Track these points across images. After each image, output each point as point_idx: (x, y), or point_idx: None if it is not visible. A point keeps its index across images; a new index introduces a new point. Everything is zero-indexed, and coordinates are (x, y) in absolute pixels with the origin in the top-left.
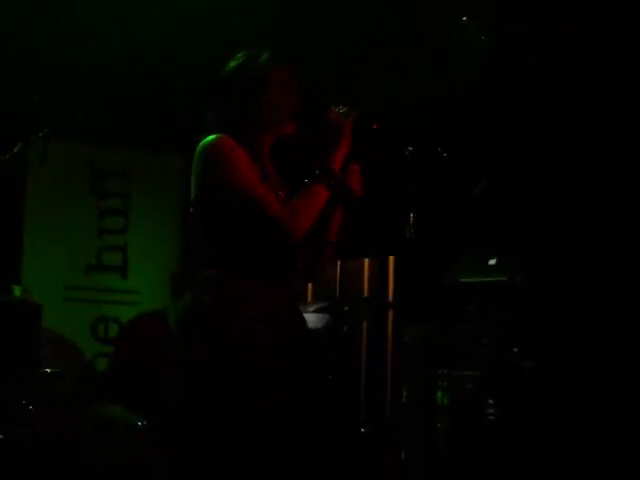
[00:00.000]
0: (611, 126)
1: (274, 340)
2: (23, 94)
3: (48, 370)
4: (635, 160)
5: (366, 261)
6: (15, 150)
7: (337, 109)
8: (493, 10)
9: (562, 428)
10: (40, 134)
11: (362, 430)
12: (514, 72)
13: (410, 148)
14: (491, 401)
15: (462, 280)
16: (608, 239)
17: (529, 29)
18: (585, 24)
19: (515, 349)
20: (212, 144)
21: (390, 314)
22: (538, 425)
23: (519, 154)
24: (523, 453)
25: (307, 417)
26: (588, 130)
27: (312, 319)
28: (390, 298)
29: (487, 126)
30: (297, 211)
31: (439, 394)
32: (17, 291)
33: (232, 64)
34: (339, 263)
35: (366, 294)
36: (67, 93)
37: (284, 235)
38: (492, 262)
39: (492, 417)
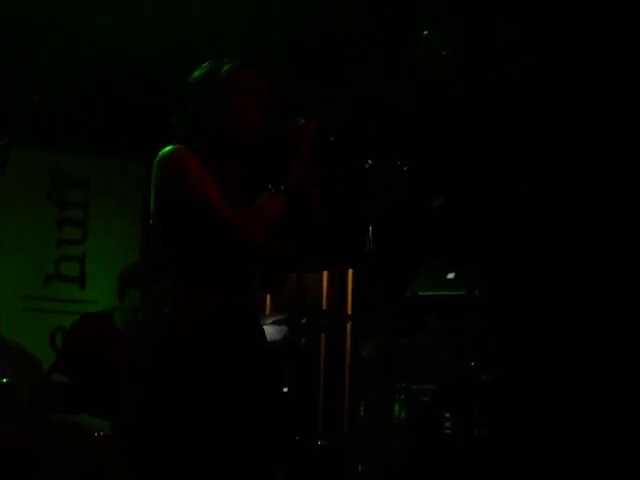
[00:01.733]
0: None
1: (222, 353)
2: None
3: (4, 380)
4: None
5: (325, 273)
6: None
7: (296, 121)
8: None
9: (520, 441)
10: (0, 142)
11: (319, 443)
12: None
13: (370, 161)
14: (448, 415)
15: (421, 293)
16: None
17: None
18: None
19: (473, 362)
20: (166, 155)
21: (348, 327)
22: (495, 439)
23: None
24: (481, 467)
25: (252, 430)
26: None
27: (270, 331)
28: (349, 311)
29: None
30: (250, 216)
31: (397, 407)
32: None
33: (196, 73)
34: (297, 275)
35: (325, 306)
36: (27, 100)
37: (237, 239)
38: (451, 276)
39: (449, 431)
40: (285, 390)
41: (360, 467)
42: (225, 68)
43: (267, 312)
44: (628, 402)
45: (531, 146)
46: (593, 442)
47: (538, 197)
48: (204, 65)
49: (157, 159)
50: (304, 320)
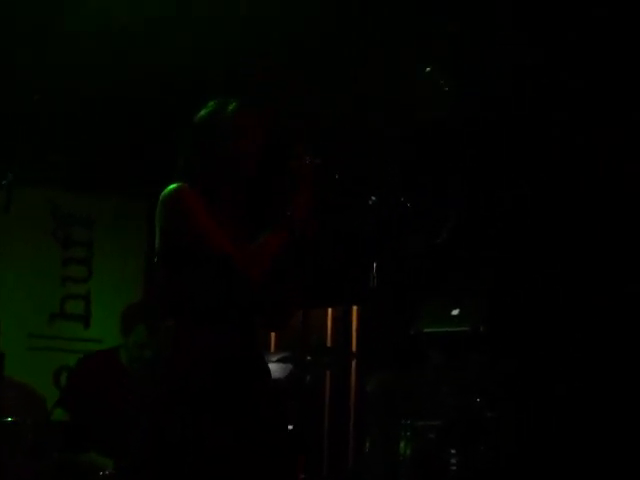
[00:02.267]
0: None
1: (222, 391)
2: None
3: (9, 419)
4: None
5: (329, 310)
6: None
7: (300, 156)
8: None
9: (526, 478)
10: (4, 181)
11: None
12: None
13: (373, 197)
14: (454, 451)
15: (425, 330)
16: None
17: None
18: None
19: (478, 399)
20: (170, 193)
21: (353, 364)
22: (501, 476)
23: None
24: None
25: (255, 468)
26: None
27: (275, 369)
28: (353, 348)
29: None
30: (251, 253)
31: (402, 444)
32: None
33: (201, 113)
34: (302, 312)
35: (329, 344)
36: (31, 138)
37: (238, 276)
38: (455, 312)
39: (455, 467)
40: (290, 428)
41: None
42: (229, 109)
43: (271, 350)
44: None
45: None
46: (599, 471)
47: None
48: (209, 104)
49: (161, 197)
50: (309, 357)
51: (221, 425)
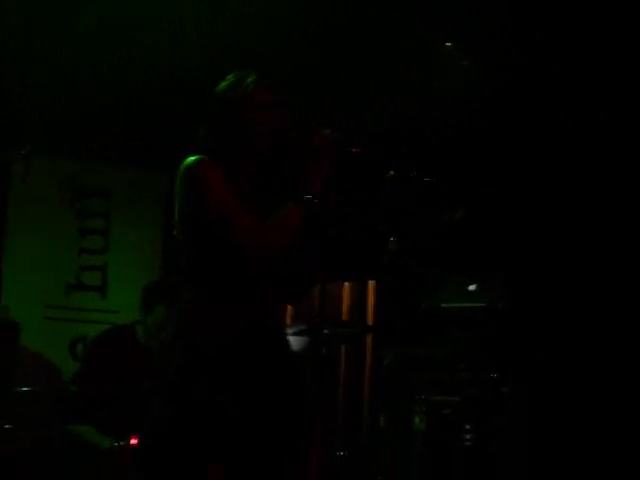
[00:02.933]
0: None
1: (243, 364)
2: (3, 112)
3: (24, 389)
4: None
5: (346, 285)
6: None
7: (318, 132)
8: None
9: (541, 454)
10: (22, 152)
11: (339, 454)
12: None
13: (391, 172)
14: (469, 426)
15: (442, 305)
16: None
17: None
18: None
19: (493, 375)
20: (189, 165)
21: (369, 338)
22: (516, 451)
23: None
24: (500, 479)
25: (273, 440)
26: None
27: (291, 341)
28: (369, 322)
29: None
30: (268, 227)
31: (417, 419)
32: None
33: (220, 85)
34: (319, 286)
35: (345, 317)
36: (49, 109)
37: (255, 251)
38: (472, 288)
39: (469, 442)
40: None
41: (379, 479)
42: (248, 81)
43: (288, 323)
44: None
45: (546, 150)
46: (613, 452)
47: (554, 199)
48: (228, 77)
49: (181, 170)
50: (325, 331)
51: (241, 396)
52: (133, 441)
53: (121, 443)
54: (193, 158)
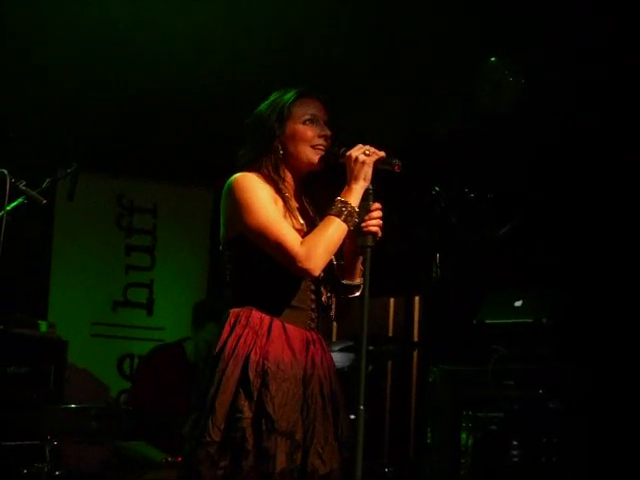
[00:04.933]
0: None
1: (287, 380)
2: (51, 129)
3: (73, 405)
4: None
5: (391, 300)
6: (43, 185)
7: (360, 147)
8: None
9: (591, 471)
10: (68, 169)
11: (386, 470)
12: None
13: (437, 188)
14: (516, 442)
15: (488, 321)
16: None
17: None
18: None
19: (540, 390)
20: (236, 182)
21: (415, 354)
22: (563, 467)
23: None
24: None
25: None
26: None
27: (337, 358)
28: (415, 338)
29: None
30: (312, 246)
31: (464, 435)
32: (43, 326)
33: (262, 104)
34: (364, 302)
35: (391, 333)
36: (95, 126)
37: (300, 274)
38: (518, 304)
39: (516, 459)
40: (352, 417)
41: None
42: (288, 96)
43: (334, 339)
44: None
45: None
46: None
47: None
48: (270, 96)
49: (227, 185)
50: (371, 347)
51: (290, 407)
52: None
53: (174, 458)
54: (240, 174)
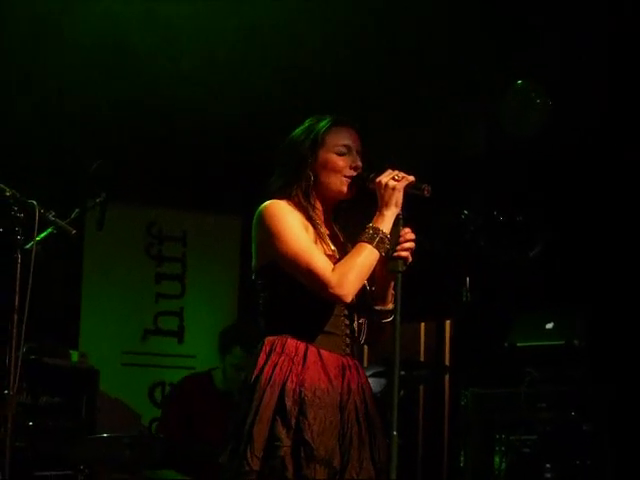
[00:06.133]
0: None
1: (324, 408)
2: (79, 159)
3: (105, 435)
4: None
5: (422, 324)
6: (72, 215)
7: (390, 173)
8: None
9: None
10: (97, 199)
11: None
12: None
13: (466, 212)
14: (549, 465)
15: (519, 344)
16: None
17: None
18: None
19: (573, 413)
20: (266, 210)
21: (447, 378)
22: None
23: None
24: None
25: None
26: None
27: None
28: (447, 362)
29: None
30: (344, 273)
31: (497, 458)
32: (74, 356)
33: (296, 130)
34: (395, 326)
35: (422, 358)
36: (125, 156)
37: (333, 300)
38: (549, 326)
39: None
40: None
41: None
42: (321, 124)
43: (365, 364)
44: None
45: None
46: None
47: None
48: (305, 122)
49: (258, 213)
50: (402, 372)
51: (328, 434)
52: None
53: None
54: (270, 202)
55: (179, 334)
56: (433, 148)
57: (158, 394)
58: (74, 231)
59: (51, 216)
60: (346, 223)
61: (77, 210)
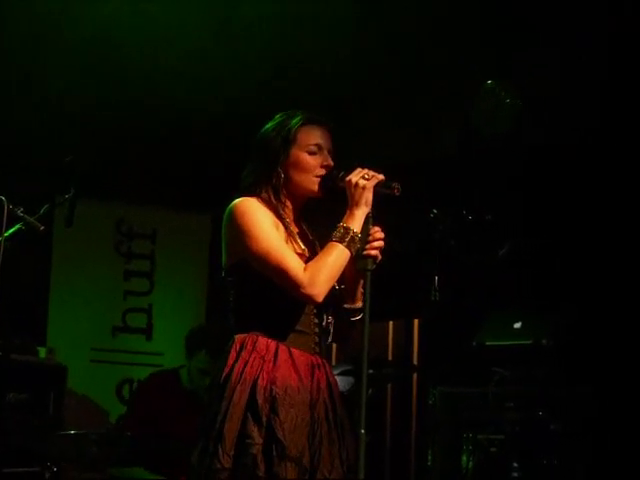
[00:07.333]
0: None
1: (295, 406)
2: (48, 154)
3: (73, 432)
4: None
5: (390, 324)
6: (41, 212)
7: (359, 171)
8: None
9: None
10: (66, 195)
11: None
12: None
13: (435, 211)
14: (516, 465)
15: (487, 343)
16: None
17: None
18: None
19: (541, 412)
20: (237, 207)
21: (415, 377)
22: None
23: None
24: None
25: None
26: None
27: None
28: (415, 361)
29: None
30: (316, 272)
31: (464, 457)
32: (42, 352)
33: (266, 126)
34: (363, 325)
35: (391, 357)
36: (94, 153)
37: (304, 300)
38: (517, 325)
39: None
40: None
41: None
42: (293, 122)
43: (334, 363)
44: None
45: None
46: None
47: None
48: (274, 118)
49: (228, 211)
50: (370, 371)
51: (299, 432)
52: None
53: None
54: (240, 199)
55: (147, 331)
56: (405, 149)
57: (126, 391)
58: (42, 227)
59: (19, 212)
60: (314, 221)
61: (46, 206)
